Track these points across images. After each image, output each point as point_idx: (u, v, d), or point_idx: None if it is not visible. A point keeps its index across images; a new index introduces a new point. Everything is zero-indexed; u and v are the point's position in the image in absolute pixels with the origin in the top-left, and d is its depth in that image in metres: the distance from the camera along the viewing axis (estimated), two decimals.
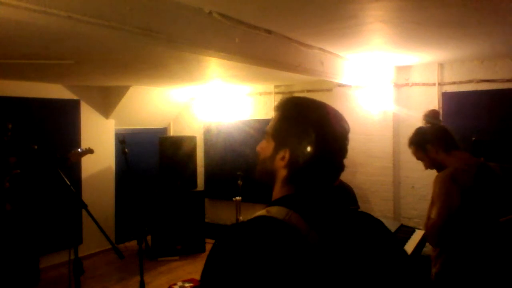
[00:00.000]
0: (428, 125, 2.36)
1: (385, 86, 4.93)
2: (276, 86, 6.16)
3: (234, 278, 0.84)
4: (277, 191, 1.05)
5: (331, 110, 1.06)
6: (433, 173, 2.29)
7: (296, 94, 5.92)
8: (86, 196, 5.52)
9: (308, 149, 0.99)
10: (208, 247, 5.90)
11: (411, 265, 1.05)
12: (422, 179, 4.74)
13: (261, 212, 0.95)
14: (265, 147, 1.08)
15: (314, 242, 0.88)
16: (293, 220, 0.90)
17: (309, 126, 1.01)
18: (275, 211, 0.93)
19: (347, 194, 4.36)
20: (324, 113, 1.05)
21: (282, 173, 1.03)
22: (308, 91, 5.81)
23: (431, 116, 2.36)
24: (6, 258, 2.48)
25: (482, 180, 2.15)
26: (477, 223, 2.13)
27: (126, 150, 3.51)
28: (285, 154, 1.02)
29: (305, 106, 1.08)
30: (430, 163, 2.34)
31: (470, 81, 4.68)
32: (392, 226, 3.64)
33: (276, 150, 1.04)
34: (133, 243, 5.89)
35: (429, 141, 2.28)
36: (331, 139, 1.02)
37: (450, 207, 2.09)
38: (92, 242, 5.62)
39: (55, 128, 5.39)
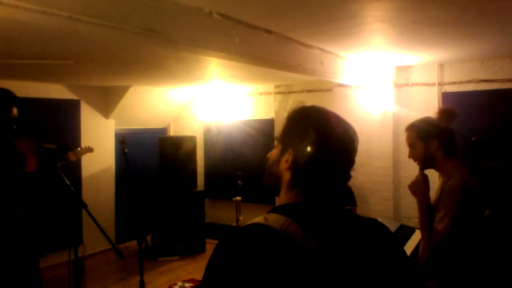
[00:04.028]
0: (440, 121, 2.20)
1: (385, 86, 4.93)
2: (276, 86, 6.15)
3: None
4: (282, 196, 1.05)
5: (334, 116, 1.07)
6: (434, 173, 2.25)
7: (296, 94, 5.93)
8: (86, 196, 5.52)
9: (308, 149, 1.00)
10: (208, 247, 5.90)
11: (412, 274, 1.04)
12: None
13: (260, 218, 0.94)
14: (274, 153, 1.10)
15: (312, 250, 0.88)
16: (289, 229, 0.89)
17: (309, 126, 1.02)
18: (273, 219, 0.92)
19: (347, 194, 4.36)
20: (325, 115, 1.06)
21: (286, 176, 1.04)
22: (308, 91, 5.80)
23: (450, 115, 2.21)
24: (10, 260, 2.49)
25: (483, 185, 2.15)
26: (476, 229, 2.13)
27: (126, 150, 3.51)
28: (289, 156, 1.03)
29: (308, 110, 1.09)
30: (419, 155, 2.19)
31: (470, 81, 4.68)
32: (392, 226, 3.63)
33: (282, 153, 1.06)
34: (133, 243, 5.89)
35: (437, 137, 2.15)
36: (333, 141, 1.02)
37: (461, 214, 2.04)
38: (92, 242, 5.62)
39: (55, 128, 5.38)
